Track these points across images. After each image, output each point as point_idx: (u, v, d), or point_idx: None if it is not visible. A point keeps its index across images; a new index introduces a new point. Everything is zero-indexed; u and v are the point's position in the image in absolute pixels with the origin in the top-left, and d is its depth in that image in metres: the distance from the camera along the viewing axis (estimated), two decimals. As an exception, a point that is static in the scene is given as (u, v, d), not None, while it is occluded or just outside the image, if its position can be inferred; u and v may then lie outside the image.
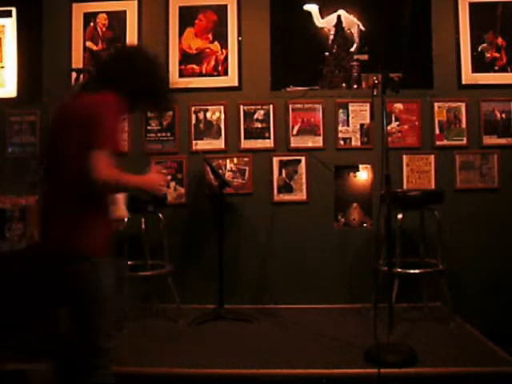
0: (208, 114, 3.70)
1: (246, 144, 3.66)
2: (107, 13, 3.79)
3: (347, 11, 3.79)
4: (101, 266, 1.80)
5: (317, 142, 3.65)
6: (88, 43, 3.79)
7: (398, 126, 3.63)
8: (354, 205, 3.71)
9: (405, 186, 3.59)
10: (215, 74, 3.71)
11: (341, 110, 3.64)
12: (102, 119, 1.74)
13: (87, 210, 1.78)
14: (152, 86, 1.97)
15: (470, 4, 3.64)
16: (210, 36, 3.72)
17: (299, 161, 3.64)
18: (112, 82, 1.86)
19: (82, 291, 1.79)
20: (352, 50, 3.77)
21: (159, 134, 3.72)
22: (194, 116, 3.70)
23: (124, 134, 3.71)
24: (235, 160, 3.64)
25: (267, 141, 3.65)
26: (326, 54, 3.77)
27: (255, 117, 3.67)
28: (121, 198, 2.30)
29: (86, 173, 1.67)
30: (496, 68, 3.63)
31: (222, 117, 3.67)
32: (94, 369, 1.80)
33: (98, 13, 3.79)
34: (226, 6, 3.72)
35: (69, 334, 1.87)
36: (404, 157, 3.61)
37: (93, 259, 1.77)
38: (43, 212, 1.91)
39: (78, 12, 3.79)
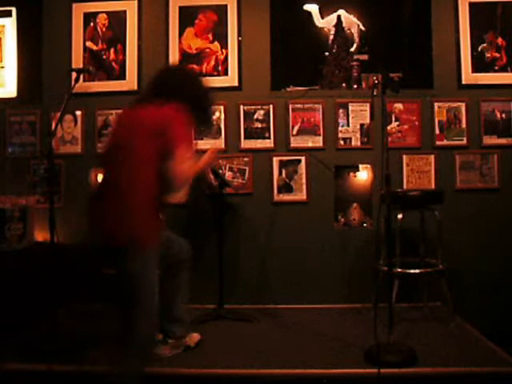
0: (208, 114, 3.70)
1: (245, 144, 3.66)
2: (107, 13, 3.79)
3: (347, 11, 3.79)
4: (149, 255, 2.02)
5: (317, 142, 3.65)
6: (88, 43, 3.79)
7: (398, 125, 3.63)
8: (354, 205, 3.71)
9: (405, 186, 3.59)
10: (215, 73, 3.70)
11: (341, 110, 3.65)
12: (177, 127, 2.02)
13: (148, 206, 2.03)
14: (202, 99, 2.26)
15: (470, 4, 3.64)
16: (210, 36, 3.72)
17: (299, 161, 3.64)
18: (173, 94, 2.12)
19: (127, 278, 2.00)
20: (352, 50, 3.77)
21: (159, 134, 3.71)
22: (194, 116, 3.70)
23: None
24: (235, 160, 3.65)
25: (267, 141, 3.65)
26: (326, 53, 3.77)
27: (255, 117, 3.67)
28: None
29: (166, 174, 1.98)
30: (496, 68, 3.63)
31: (222, 117, 3.67)
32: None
33: (98, 13, 3.79)
34: (225, 6, 3.72)
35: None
36: (404, 157, 3.61)
37: (143, 248, 1.99)
38: (99, 205, 2.07)
39: (78, 12, 3.79)
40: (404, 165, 3.61)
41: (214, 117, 2.34)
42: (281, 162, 3.65)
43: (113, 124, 2.27)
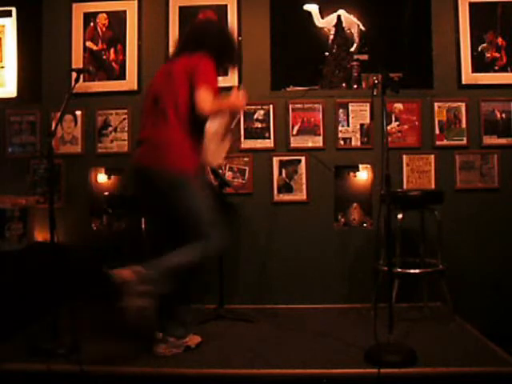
0: (208, 114, 3.70)
1: (245, 144, 3.66)
2: (107, 13, 3.79)
3: (347, 11, 3.80)
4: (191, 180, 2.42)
5: (317, 141, 3.65)
6: (88, 43, 3.79)
7: (398, 125, 3.63)
8: (354, 205, 3.71)
9: (405, 186, 3.59)
10: (215, 73, 3.70)
11: (341, 110, 3.65)
12: (203, 68, 2.43)
13: (186, 140, 2.43)
14: (226, 46, 2.65)
15: (470, 4, 3.64)
16: (210, 36, 3.72)
17: (299, 161, 3.64)
18: (199, 45, 2.54)
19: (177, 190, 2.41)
20: (352, 50, 3.77)
21: (159, 134, 3.71)
22: (194, 116, 3.70)
23: (124, 134, 3.73)
24: (235, 160, 3.64)
25: (267, 141, 3.65)
26: (326, 53, 3.77)
27: (255, 117, 3.67)
28: (224, 147, 2.71)
29: (196, 106, 2.35)
30: (496, 68, 3.63)
31: (222, 117, 3.67)
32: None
33: (98, 13, 3.79)
34: (225, 6, 3.72)
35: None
36: (404, 157, 3.61)
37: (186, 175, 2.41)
38: (147, 139, 2.50)
39: (78, 12, 3.79)
40: (404, 165, 3.61)
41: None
42: (281, 161, 3.65)
43: (153, 79, 2.66)
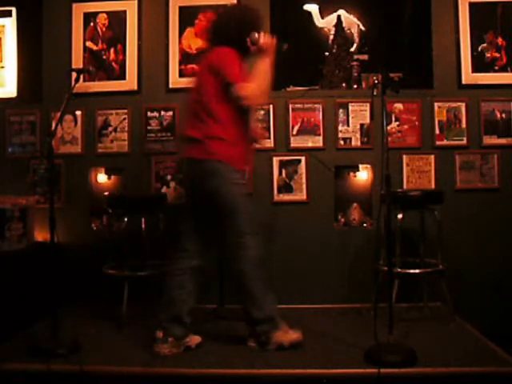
0: (208, 114, 3.70)
1: (246, 144, 3.65)
2: (107, 13, 3.79)
3: (347, 11, 3.80)
4: (231, 169, 2.55)
5: (317, 141, 3.65)
6: (88, 43, 3.79)
7: (398, 126, 3.63)
8: (354, 205, 3.71)
9: (405, 186, 3.59)
10: (215, 73, 3.70)
11: (341, 110, 3.65)
12: (224, 63, 2.52)
13: (226, 129, 2.56)
14: (240, 33, 2.61)
15: (470, 4, 3.63)
16: (210, 36, 3.72)
17: (299, 161, 3.63)
18: (219, 38, 2.63)
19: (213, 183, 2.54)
20: (352, 50, 3.77)
21: (159, 134, 3.72)
22: (194, 116, 3.70)
23: (124, 134, 3.73)
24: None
25: (267, 141, 3.65)
26: (326, 53, 3.77)
27: (255, 117, 3.66)
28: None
29: (236, 99, 2.49)
30: (496, 68, 3.63)
31: (222, 117, 3.67)
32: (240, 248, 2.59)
33: (98, 13, 3.79)
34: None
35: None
36: (404, 157, 3.61)
37: (225, 163, 2.53)
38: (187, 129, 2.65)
39: (78, 12, 3.79)
40: (404, 165, 3.61)
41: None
42: (281, 161, 3.64)
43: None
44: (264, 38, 2.61)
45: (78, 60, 3.76)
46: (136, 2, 3.76)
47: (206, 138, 2.54)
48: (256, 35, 2.60)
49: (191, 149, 2.60)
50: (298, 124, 3.65)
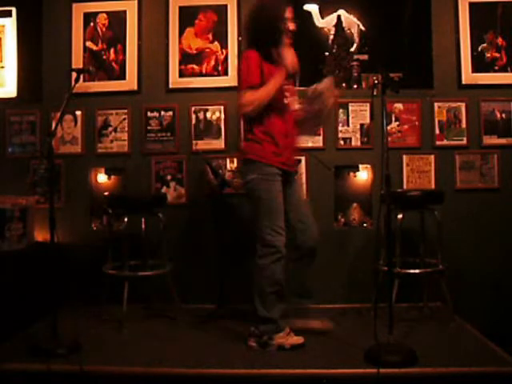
0: (208, 114, 3.70)
1: (246, 144, 3.65)
2: (107, 13, 3.79)
3: (347, 11, 3.79)
4: (263, 167, 2.64)
5: (317, 141, 3.65)
6: (88, 43, 3.79)
7: (398, 125, 3.63)
8: (354, 205, 3.71)
9: (405, 186, 3.59)
10: (215, 73, 3.70)
11: (341, 110, 3.64)
12: (240, 69, 2.82)
13: (254, 133, 2.68)
14: (264, 34, 2.64)
15: (470, 4, 3.63)
16: (210, 36, 3.72)
17: (299, 161, 3.63)
18: (248, 41, 2.75)
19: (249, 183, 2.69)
20: (352, 50, 3.77)
21: (159, 134, 3.72)
22: (194, 116, 3.70)
23: (124, 134, 3.73)
24: (235, 160, 3.64)
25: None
26: (326, 53, 3.77)
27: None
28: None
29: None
30: (496, 68, 3.63)
31: (222, 117, 3.68)
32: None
33: (98, 13, 3.79)
34: (225, 6, 3.72)
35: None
36: (404, 157, 3.61)
37: (257, 162, 2.64)
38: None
39: (78, 12, 3.79)
40: (404, 165, 3.61)
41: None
42: (281, 161, 3.64)
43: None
44: (290, 58, 2.63)
45: (77, 60, 3.76)
46: (136, 2, 3.76)
47: (243, 140, 2.81)
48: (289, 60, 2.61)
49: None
50: (298, 124, 3.64)
